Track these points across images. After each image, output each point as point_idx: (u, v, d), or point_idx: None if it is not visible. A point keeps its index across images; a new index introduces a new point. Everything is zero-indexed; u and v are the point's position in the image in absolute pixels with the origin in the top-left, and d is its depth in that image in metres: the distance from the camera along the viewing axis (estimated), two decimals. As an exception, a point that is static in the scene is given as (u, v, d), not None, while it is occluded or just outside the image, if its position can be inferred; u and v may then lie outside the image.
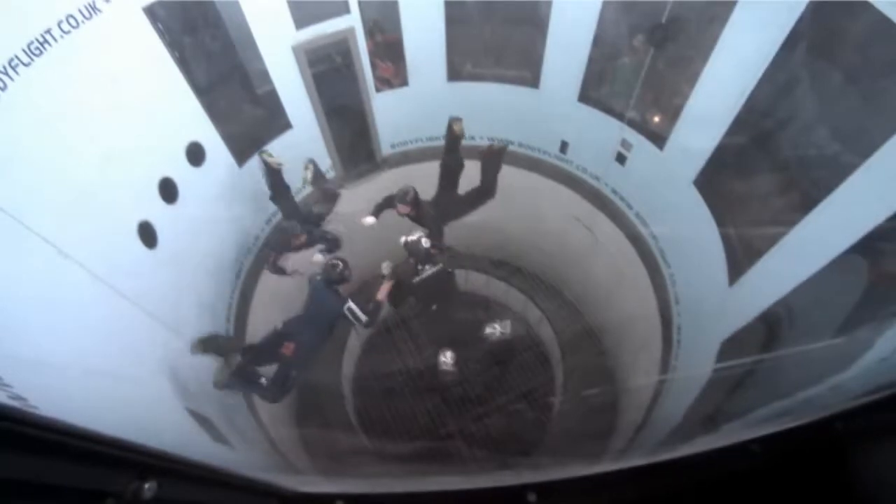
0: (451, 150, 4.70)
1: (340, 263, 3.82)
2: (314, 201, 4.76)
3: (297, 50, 4.39)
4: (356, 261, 5.14)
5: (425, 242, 4.05)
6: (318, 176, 4.71)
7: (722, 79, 3.53)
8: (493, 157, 4.64)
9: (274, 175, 4.40)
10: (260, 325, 4.91)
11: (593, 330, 6.56)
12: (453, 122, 4.52)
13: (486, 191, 4.79)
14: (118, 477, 0.86)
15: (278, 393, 3.82)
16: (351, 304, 3.74)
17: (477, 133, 5.73)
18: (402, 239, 4.10)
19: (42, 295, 2.37)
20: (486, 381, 6.32)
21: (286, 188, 4.56)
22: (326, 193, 4.80)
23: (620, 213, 5.13)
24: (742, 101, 3.40)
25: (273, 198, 4.61)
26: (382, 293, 3.96)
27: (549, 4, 4.30)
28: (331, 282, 3.81)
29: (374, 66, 4.99)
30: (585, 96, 4.74)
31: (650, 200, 4.82)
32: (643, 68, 4.19)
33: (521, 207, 5.64)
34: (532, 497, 1.02)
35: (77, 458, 0.82)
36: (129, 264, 3.13)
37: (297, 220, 4.56)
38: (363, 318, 3.74)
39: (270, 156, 4.33)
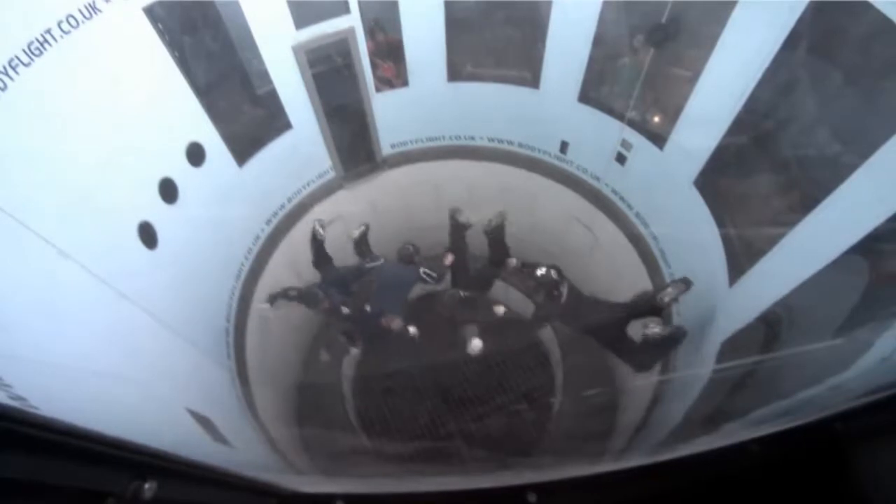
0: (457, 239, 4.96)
1: (412, 247, 4.58)
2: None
3: (297, 50, 4.39)
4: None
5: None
6: (363, 240, 4.89)
7: (722, 79, 3.53)
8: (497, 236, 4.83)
9: (317, 244, 4.73)
10: (260, 325, 4.92)
11: (593, 330, 6.55)
12: (455, 212, 4.80)
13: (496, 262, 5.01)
14: (118, 477, 0.86)
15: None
16: (423, 268, 4.55)
17: (477, 133, 5.74)
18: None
19: (42, 295, 2.36)
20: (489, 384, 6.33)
21: (328, 258, 4.84)
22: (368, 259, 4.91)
23: (620, 213, 5.13)
24: (742, 101, 3.40)
25: (315, 264, 4.88)
26: (447, 260, 4.78)
27: (549, 4, 4.30)
28: (403, 260, 4.55)
29: (375, 65, 4.99)
30: (585, 96, 4.73)
31: (650, 200, 4.82)
32: (643, 68, 4.19)
33: (521, 207, 5.64)
34: (532, 497, 1.02)
35: (77, 458, 0.82)
36: (130, 265, 3.13)
37: (335, 285, 4.82)
38: (435, 275, 4.50)
39: (322, 226, 4.71)
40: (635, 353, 4.14)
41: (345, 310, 4.73)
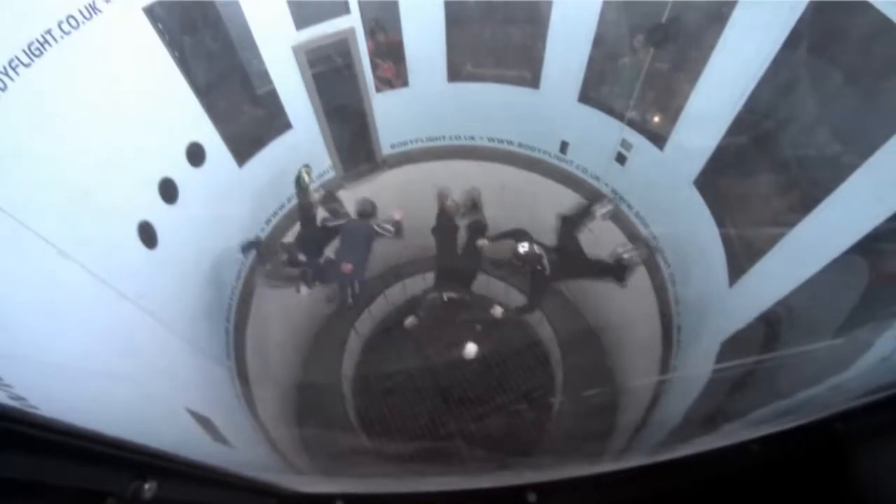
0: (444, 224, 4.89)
1: (370, 204, 4.67)
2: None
3: (297, 50, 4.39)
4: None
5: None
6: (330, 198, 4.89)
7: (722, 79, 3.53)
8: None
9: (302, 191, 4.68)
10: (260, 325, 4.92)
11: (593, 330, 6.56)
12: (443, 196, 4.74)
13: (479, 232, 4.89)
14: (118, 477, 0.86)
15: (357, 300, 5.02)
16: (378, 222, 4.61)
17: (477, 133, 5.75)
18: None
19: (42, 295, 2.36)
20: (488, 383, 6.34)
21: (311, 207, 4.75)
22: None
23: (620, 213, 5.13)
24: (742, 101, 3.40)
25: (300, 212, 4.82)
26: (398, 214, 4.74)
27: (549, 4, 4.30)
28: (361, 215, 4.63)
29: (375, 66, 4.99)
30: (585, 96, 4.74)
31: (650, 200, 4.82)
32: (643, 68, 4.19)
33: (521, 207, 5.64)
34: (532, 497, 1.02)
35: (77, 458, 0.82)
36: (130, 264, 3.13)
37: (310, 242, 4.77)
38: (391, 228, 4.55)
39: (308, 172, 4.66)
40: (609, 270, 4.31)
41: (301, 257, 4.74)
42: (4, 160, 2.32)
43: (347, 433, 5.72)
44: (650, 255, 4.24)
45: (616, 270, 4.26)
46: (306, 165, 4.69)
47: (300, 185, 4.65)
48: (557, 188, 5.59)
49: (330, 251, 4.87)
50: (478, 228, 4.80)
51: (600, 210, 4.24)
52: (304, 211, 4.75)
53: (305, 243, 4.75)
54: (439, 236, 5.02)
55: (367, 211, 4.68)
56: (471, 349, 4.67)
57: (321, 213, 4.85)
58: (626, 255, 4.10)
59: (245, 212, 4.74)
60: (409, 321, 5.24)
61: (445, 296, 4.91)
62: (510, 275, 6.87)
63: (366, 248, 4.72)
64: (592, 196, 4.50)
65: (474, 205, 4.79)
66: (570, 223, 4.36)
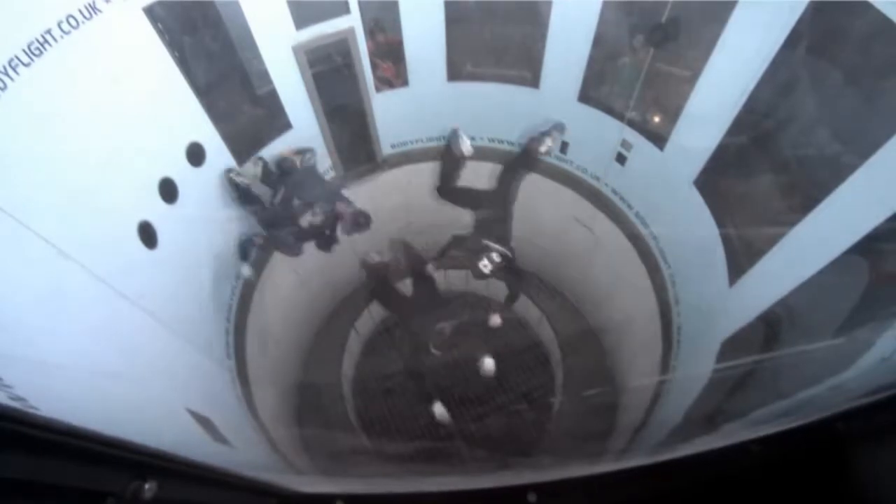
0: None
1: (286, 158, 4.64)
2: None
3: (297, 50, 4.39)
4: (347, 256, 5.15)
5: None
6: (267, 174, 4.69)
7: (722, 79, 3.53)
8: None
9: (240, 191, 4.47)
10: (260, 326, 4.92)
11: (593, 330, 6.56)
12: (365, 258, 4.72)
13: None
14: (118, 477, 0.86)
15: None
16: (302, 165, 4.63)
17: (477, 133, 5.74)
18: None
19: (42, 295, 2.36)
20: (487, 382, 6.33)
21: (254, 198, 4.58)
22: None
23: (620, 213, 5.14)
24: (742, 101, 3.40)
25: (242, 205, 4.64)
26: (287, 151, 4.74)
27: (549, 4, 4.30)
28: (286, 172, 4.57)
29: (374, 66, 4.98)
30: (585, 96, 4.74)
31: (650, 200, 4.82)
32: (643, 68, 4.19)
33: (521, 207, 5.63)
34: (532, 497, 1.02)
35: (77, 458, 0.82)
36: (129, 264, 3.12)
37: (272, 224, 4.67)
38: (310, 157, 4.66)
39: (239, 173, 4.47)
40: (522, 164, 4.40)
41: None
42: (4, 160, 2.32)
43: (347, 433, 5.72)
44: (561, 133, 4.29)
45: (526, 161, 4.22)
46: (260, 157, 4.63)
47: (239, 186, 4.46)
48: (557, 188, 5.59)
49: (277, 319, 4.78)
50: (419, 263, 4.73)
51: (543, 147, 4.16)
52: (245, 199, 4.57)
53: (274, 223, 4.63)
54: (381, 294, 4.91)
55: (289, 164, 4.64)
56: (489, 365, 4.54)
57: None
58: (543, 149, 4.11)
59: (245, 212, 4.73)
60: (440, 412, 4.98)
61: (450, 325, 4.83)
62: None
63: (321, 186, 4.70)
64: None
65: (406, 250, 4.70)
66: (513, 175, 4.24)
